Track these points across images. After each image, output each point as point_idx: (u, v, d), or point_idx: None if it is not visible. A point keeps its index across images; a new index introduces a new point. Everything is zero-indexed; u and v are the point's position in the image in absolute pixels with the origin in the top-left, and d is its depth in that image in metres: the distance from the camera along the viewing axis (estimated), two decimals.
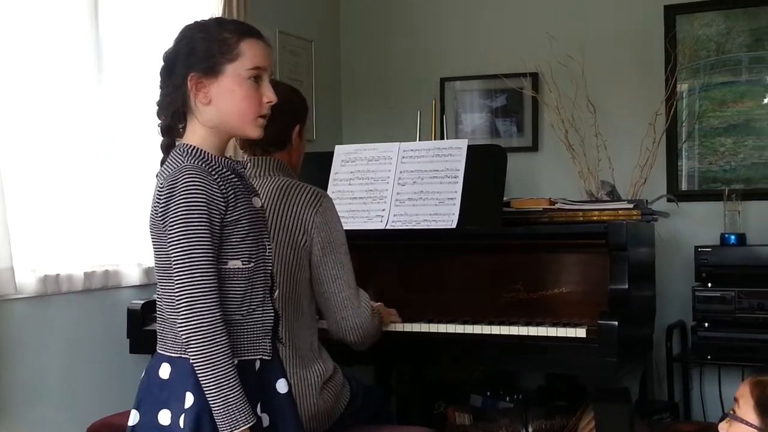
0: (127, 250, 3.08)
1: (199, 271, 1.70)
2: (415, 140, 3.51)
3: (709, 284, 3.55)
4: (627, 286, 2.59)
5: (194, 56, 1.79)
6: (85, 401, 2.92)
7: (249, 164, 2.37)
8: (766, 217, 2.92)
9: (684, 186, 3.97)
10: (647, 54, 3.99)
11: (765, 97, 3.85)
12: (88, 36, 2.95)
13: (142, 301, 2.90)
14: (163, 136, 1.86)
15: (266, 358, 1.83)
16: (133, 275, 3.09)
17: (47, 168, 2.83)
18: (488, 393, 3.63)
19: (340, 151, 3.08)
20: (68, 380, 2.89)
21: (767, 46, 3.83)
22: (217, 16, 3.22)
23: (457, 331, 2.68)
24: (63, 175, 2.88)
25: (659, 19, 3.97)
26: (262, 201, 1.96)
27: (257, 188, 1.96)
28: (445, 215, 2.83)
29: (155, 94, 1.87)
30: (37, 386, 2.78)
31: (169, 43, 1.86)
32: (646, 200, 3.33)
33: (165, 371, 1.79)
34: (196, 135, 1.82)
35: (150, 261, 3.03)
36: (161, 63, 1.86)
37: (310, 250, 2.31)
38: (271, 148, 2.41)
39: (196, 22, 1.87)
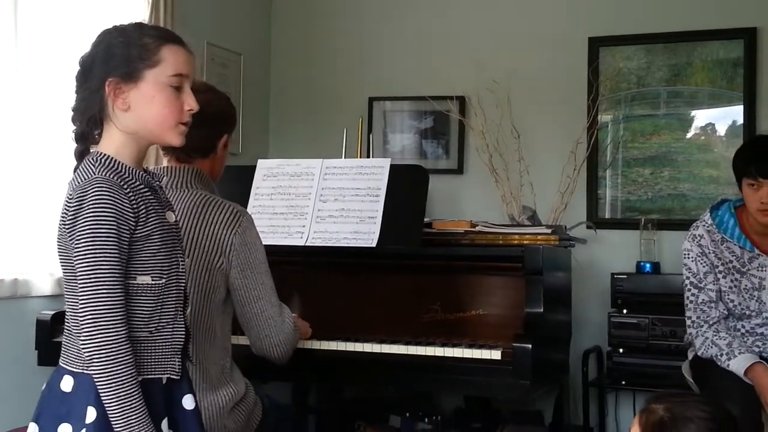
0: (39, 259, 2.99)
1: (104, 287, 1.65)
2: (341, 157, 3.51)
3: (625, 311, 3.64)
4: (542, 310, 2.62)
5: (113, 61, 1.75)
6: None
7: (165, 175, 2.29)
8: (679, 246, 2.99)
9: (607, 214, 4.05)
10: (571, 83, 4.07)
11: (681, 131, 3.97)
12: (8, 35, 2.88)
13: (52, 312, 2.81)
14: (77, 142, 1.80)
15: (174, 377, 1.79)
16: (44, 285, 3.00)
17: None
18: (407, 414, 3.62)
19: (263, 166, 3.05)
20: None
21: (685, 81, 3.95)
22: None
23: (374, 351, 2.68)
24: None
25: (583, 50, 4.06)
26: (177, 216, 1.91)
27: (172, 201, 1.91)
28: (366, 234, 2.82)
29: (72, 98, 1.82)
30: None
31: (88, 48, 1.82)
32: (565, 226, 3.38)
33: (67, 384, 1.74)
34: (113, 142, 1.77)
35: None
36: (77, 67, 1.81)
37: (226, 273, 2.23)
38: (194, 154, 2.31)
39: (115, 26, 1.82)
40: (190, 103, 1.81)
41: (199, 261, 2.21)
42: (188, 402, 1.83)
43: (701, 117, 3.96)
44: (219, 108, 2.36)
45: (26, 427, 2.47)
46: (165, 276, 1.76)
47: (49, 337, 2.78)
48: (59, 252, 1.76)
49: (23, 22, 2.95)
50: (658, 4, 3.99)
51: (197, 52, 3.92)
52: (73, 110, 1.81)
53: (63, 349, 1.78)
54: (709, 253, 2.88)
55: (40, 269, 3.00)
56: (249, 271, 2.25)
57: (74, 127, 1.80)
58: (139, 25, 1.84)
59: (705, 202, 3.78)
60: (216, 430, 2.19)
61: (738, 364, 2.72)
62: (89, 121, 1.78)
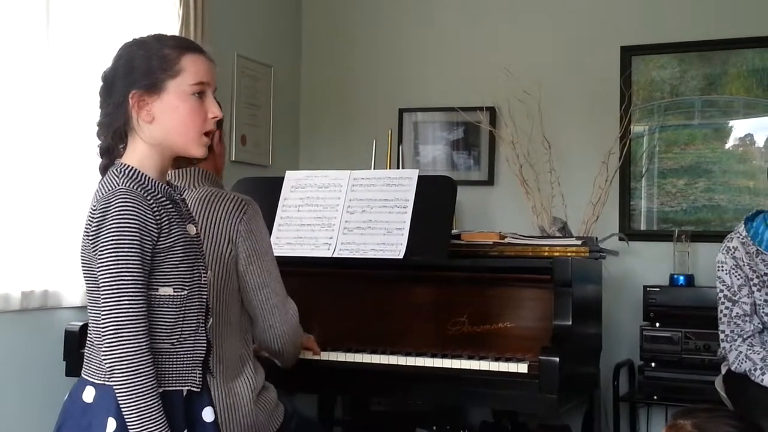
0: (68, 270, 3.00)
1: (126, 298, 1.65)
2: (370, 169, 3.50)
3: (657, 324, 3.57)
4: (570, 323, 2.58)
5: (134, 74, 1.77)
6: (17, 424, 2.83)
7: (173, 178, 2.31)
8: (715, 258, 2.93)
9: (641, 225, 3.99)
10: (603, 93, 4.02)
11: (717, 141, 3.90)
12: (40, 50, 2.92)
13: (81, 323, 2.83)
14: (102, 157, 1.82)
15: (195, 389, 1.79)
16: (73, 296, 3.02)
17: None
18: (434, 427, 3.59)
19: (291, 177, 3.05)
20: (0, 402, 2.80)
21: (720, 90, 3.89)
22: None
23: (400, 363, 2.66)
24: (3, 192, 2.81)
25: (615, 59, 4.01)
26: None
27: None
28: (393, 245, 2.81)
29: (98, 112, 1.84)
30: None
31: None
32: (596, 238, 3.34)
33: (89, 395, 1.75)
34: (136, 154, 1.78)
35: None
36: (100, 83, 1.82)
37: (236, 260, 2.26)
38: (195, 159, 2.34)
39: (134, 39, 1.84)
40: (214, 111, 1.82)
41: (211, 253, 2.23)
42: (208, 415, 1.83)
43: (738, 127, 3.89)
44: None
45: None
46: (187, 288, 1.76)
47: (77, 348, 2.79)
48: (83, 263, 1.78)
49: (55, 37, 2.98)
50: (691, 13, 3.93)
51: (227, 64, 3.95)
52: (98, 125, 1.82)
53: (85, 360, 1.80)
54: (744, 265, 2.82)
55: (70, 281, 3.01)
56: (255, 257, 2.27)
57: (99, 142, 1.82)
58: (158, 37, 1.85)
59: (742, 213, 3.69)
60: (239, 417, 2.20)
61: None
62: (114, 135, 1.79)
